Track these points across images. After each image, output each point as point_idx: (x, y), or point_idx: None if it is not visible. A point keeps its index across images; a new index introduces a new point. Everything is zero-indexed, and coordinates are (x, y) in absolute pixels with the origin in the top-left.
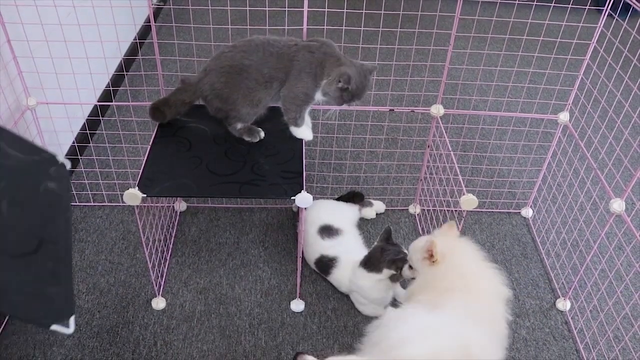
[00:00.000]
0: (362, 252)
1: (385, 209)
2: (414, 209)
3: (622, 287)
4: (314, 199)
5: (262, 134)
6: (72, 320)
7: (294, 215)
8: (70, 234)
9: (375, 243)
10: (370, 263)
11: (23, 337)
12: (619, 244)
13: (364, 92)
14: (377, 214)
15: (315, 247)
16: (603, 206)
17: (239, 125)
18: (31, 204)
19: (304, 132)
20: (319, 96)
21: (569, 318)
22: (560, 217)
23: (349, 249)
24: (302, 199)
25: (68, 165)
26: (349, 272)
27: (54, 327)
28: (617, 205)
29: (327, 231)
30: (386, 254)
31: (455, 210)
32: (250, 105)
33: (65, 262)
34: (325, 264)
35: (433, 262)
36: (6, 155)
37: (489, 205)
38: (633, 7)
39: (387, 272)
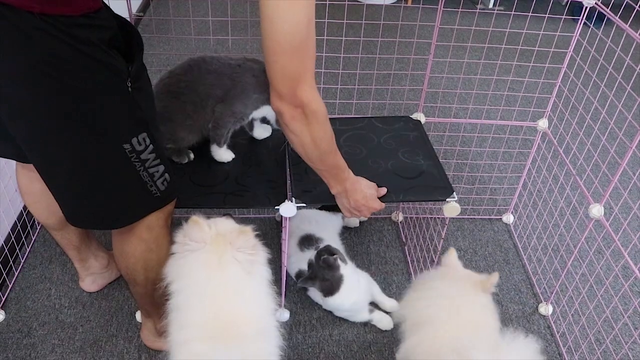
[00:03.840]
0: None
1: (368, 217)
2: (397, 216)
3: (603, 291)
4: (298, 209)
5: (192, 156)
6: None
7: (278, 225)
8: None
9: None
10: (330, 289)
11: (3, 354)
12: (599, 248)
13: None
14: (360, 222)
15: (295, 260)
16: (582, 211)
17: (169, 145)
18: None
19: (224, 153)
20: (257, 114)
21: (552, 322)
22: (541, 222)
23: None
24: (286, 208)
25: None
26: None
27: None
28: (596, 210)
29: (308, 241)
30: (331, 270)
31: (438, 218)
32: (188, 131)
33: None
34: None
35: None
36: None
37: (470, 212)
38: (607, 17)
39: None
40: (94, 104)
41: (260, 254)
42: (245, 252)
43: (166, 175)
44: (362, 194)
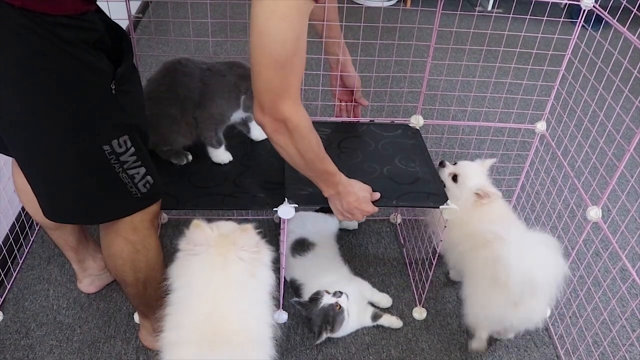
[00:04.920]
0: (331, 273)
1: (366, 219)
2: (395, 218)
3: (600, 293)
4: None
5: (190, 157)
6: None
7: (276, 227)
8: None
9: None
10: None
11: (1, 355)
12: (596, 250)
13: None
14: (358, 224)
15: (288, 267)
16: (580, 214)
17: (165, 147)
18: None
19: (221, 155)
20: (239, 114)
21: (549, 324)
22: (539, 224)
23: (315, 272)
24: (284, 210)
25: None
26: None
27: None
28: (594, 212)
29: (300, 246)
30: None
31: None
32: (177, 133)
33: None
34: (297, 287)
35: (480, 203)
36: None
37: None
38: (605, 19)
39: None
40: (74, 103)
41: (264, 253)
42: (249, 250)
43: (148, 177)
44: (355, 196)
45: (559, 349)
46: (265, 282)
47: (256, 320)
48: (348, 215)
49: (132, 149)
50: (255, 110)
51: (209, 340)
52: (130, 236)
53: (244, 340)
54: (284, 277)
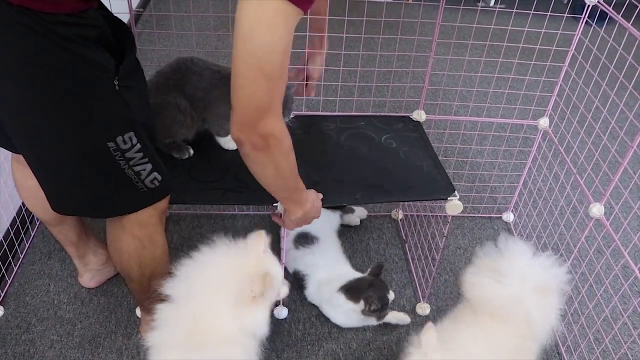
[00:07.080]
0: (336, 265)
1: (368, 215)
2: (397, 214)
3: (602, 290)
4: None
5: (191, 152)
6: None
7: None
8: None
9: (366, 275)
10: (351, 291)
11: (2, 349)
12: (599, 247)
13: (290, 102)
14: (360, 220)
15: (290, 257)
16: (583, 210)
17: (167, 140)
18: None
19: (229, 142)
20: None
21: None
22: (541, 221)
23: (321, 263)
24: None
25: None
26: (316, 289)
27: None
28: (597, 209)
29: (303, 240)
30: (372, 290)
31: (439, 215)
32: (180, 125)
33: None
34: (300, 278)
35: None
36: None
37: (470, 210)
38: (609, 15)
39: (361, 305)
40: (77, 100)
41: (256, 310)
42: (245, 295)
43: (155, 174)
44: (313, 206)
45: (560, 346)
46: (247, 327)
47: (237, 325)
48: (302, 224)
49: (138, 146)
50: (234, 125)
51: (191, 342)
52: (137, 232)
53: (223, 342)
54: (287, 269)
